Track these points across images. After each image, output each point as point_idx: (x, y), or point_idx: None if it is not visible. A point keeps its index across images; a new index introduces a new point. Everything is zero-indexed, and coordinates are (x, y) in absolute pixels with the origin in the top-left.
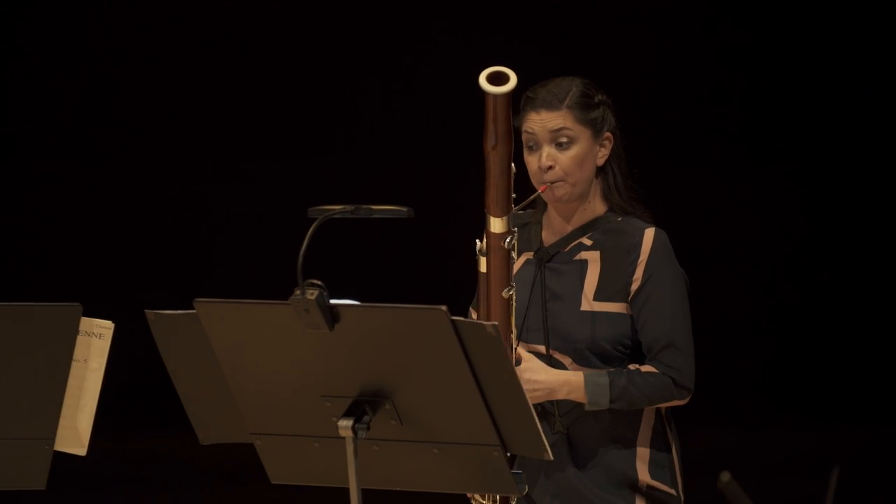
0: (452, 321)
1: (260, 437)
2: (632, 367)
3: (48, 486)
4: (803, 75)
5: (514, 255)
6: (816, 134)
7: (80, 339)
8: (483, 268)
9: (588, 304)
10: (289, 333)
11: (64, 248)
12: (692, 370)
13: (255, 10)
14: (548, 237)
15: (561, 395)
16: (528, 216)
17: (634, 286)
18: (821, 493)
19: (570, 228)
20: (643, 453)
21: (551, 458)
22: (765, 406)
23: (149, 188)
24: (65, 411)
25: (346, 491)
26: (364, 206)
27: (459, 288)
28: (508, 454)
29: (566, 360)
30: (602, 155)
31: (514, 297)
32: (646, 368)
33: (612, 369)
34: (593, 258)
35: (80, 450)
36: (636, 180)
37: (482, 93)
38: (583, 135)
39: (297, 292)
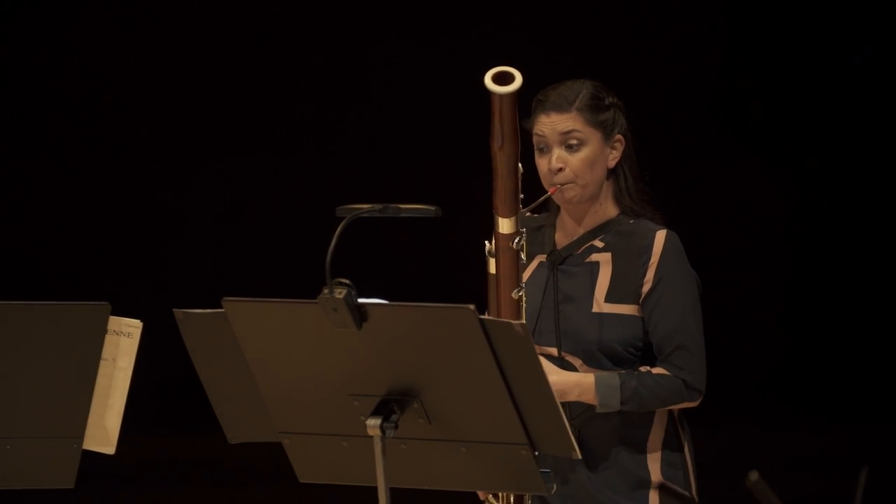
0: (480, 320)
1: (288, 436)
2: (643, 369)
3: (77, 484)
4: (816, 74)
5: (523, 255)
6: (833, 133)
7: (108, 338)
8: (493, 269)
9: (599, 306)
10: (317, 332)
11: (93, 246)
12: (703, 372)
13: (274, 8)
14: (561, 239)
15: (572, 397)
16: (543, 219)
17: (645, 288)
18: (849, 494)
19: (581, 231)
20: (655, 454)
21: (579, 456)
22: (783, 406)
23: (179, 187)
24: (93, 410)
25: (374, 490)
26: (392, 206)
27: (470, 290)
28: (536, 453)
29: (577, 362)
30: (613, 157)
31: (523, 299)
32: (657, 370)
33: (623, 371)
34: (605, 260)
35: (109, 448)
36: (648, 182)
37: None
38: (593, 137)
39: (326, 291)
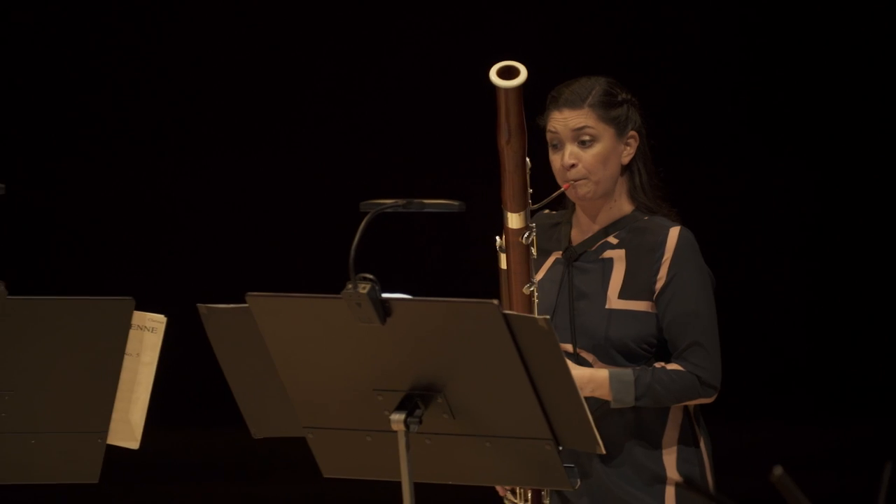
0: (504, 315)
1: (312, 431)
2: (657, 365)
3: (101, 479)
4: (841, 70)
5: (533, 250)
6: (856, 129)
7: (132, 333)
8: (504, 264)
9: (613, 302)
10: (341, 327)
11: (116, 241)
12: (718, 368)
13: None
14: (576, 236)
15: (586, 393)
16: (560, 216)
17: (659, 284)
18: (873, 489)
19: (596, 227)
20: (670, 450)
21: (603, 451)
22: (806, 401)
23: (201, 181)
24: (117, 405)
25: (397, 485)
26: (416, 201)
27: (483, 282)
28: (560, 448)
29: (591, 359)
30: (627, 153)
31: (535, 294)
32: (671, 366)
33: (637, 367)
34: (619, 257)
35: (133, 443)
36: (662, 179)
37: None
38: (605, 133)
39: (350, 286)
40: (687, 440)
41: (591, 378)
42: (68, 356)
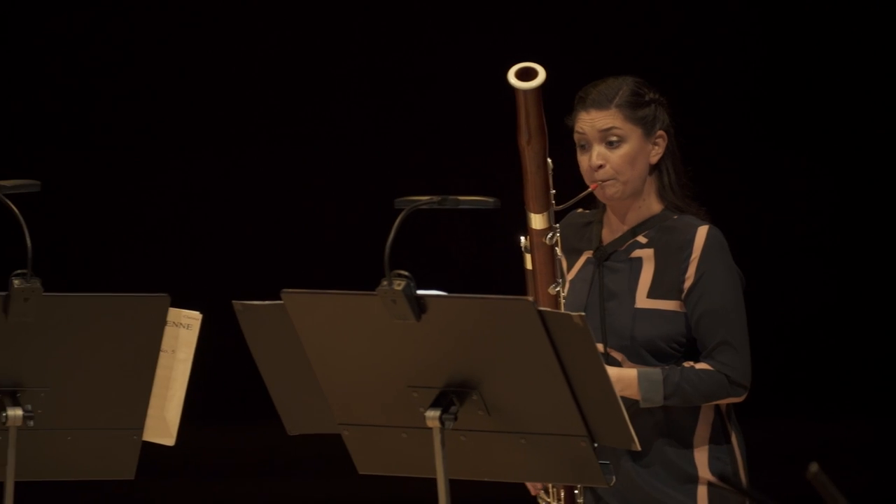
0: (540, 312)
1: (347, 428)
2: (686, 364)
3: (136, 475)
4: (864, 70)
5: (558, 250)
6: (880, 130)
7: (168, 330)
8: (529, 265)
9: (642, 301)
10: (376, 324)
11: (152, 238)
12: (748, 367)
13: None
14: (606, 236)
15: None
16: (591, 215)
17: (687, 283)
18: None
19: (626, 227)
20: (702, 448)
21: (638, 448)
22: (838, 399)
23: (237, 179)
24: (153, 402)
25: (432, 481)
26: (451, 198)
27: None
28: (595, 445)
29: (620, 357)
30: (655, 153)
31: (561, 294)
32: (700, 366)
33: (666, 366)
34: (648, 256)
35: (169, 440)
36: (691, 178)
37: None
38: (633, 133)
39: (385, 283)
40: (718, 438)
41: (619, 377)
42: (104, 353)
